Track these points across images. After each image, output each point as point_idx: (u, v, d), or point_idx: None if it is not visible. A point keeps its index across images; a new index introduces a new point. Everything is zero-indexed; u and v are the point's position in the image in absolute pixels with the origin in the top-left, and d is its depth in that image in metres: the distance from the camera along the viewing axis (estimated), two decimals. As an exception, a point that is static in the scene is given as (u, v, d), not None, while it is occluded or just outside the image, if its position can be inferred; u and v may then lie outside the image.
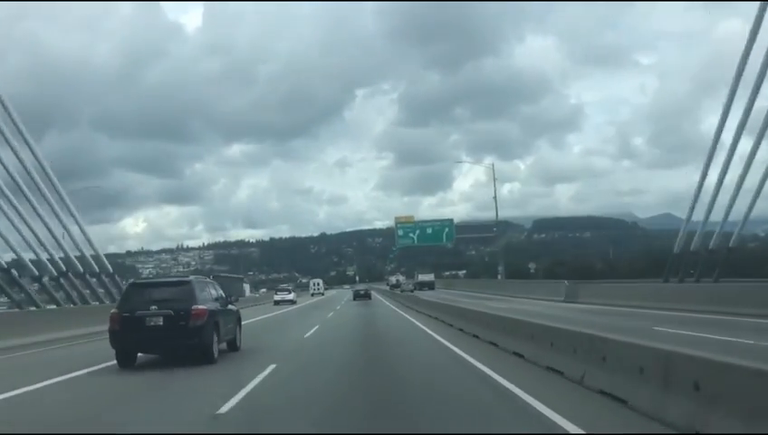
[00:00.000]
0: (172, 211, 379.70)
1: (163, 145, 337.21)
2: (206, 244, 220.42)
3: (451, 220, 67.06)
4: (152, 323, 11.33)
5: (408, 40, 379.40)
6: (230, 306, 14.10)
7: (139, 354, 11.98)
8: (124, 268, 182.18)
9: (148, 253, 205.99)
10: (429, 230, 65.59)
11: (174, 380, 10.03)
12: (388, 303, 43.21)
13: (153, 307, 11.42)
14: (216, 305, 12.63)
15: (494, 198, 58.84)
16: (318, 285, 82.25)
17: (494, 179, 58.47)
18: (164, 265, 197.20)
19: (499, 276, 56.91)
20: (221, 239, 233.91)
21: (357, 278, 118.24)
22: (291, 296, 51.47)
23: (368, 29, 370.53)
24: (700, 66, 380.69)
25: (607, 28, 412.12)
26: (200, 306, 11.62)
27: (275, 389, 8.87)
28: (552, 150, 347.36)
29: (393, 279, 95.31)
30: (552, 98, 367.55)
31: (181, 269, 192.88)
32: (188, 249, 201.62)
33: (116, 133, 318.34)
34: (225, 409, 7.14)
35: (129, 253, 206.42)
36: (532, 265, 62.90)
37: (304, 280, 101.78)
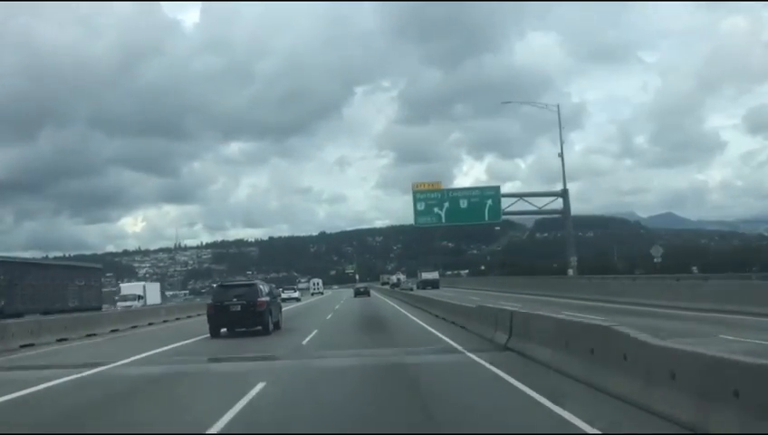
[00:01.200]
0: (170, 210, 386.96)
1: (161, 143, 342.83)
2: (204, 243, 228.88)
3: (497, 188, 48.95)
4: (233, 309, 19.23)
5: (408, 37, 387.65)
6: (275, 300, 22.09)
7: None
8: (121, 267, 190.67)
9: (145, 252, 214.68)
10: (464, 203, 47.71)
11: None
12: (401, 309, 32.03)
13: (234, 299, 19.34)
14: (269, 298, 20.48)
15: (560, 154, 45.94)
16: (318, 284, 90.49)
17: (560, 127, 45.48)
18: (161, 264, 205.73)
19: (570, 271, 45.43)
20: (220, 238, 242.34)
21: (357, 277, 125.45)
22: (296, 294, 61.56)
23: (367, 26, 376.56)
24: (702, 64, 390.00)
25: (609, 26, 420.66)
26: (261, 298, 19.58)
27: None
28: (553, 149, 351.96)
29: (394, 278, 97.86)
30: (554, 96, 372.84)
31: (179, 268, 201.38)
32: (186, 248, 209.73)
33: (113, 131, 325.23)
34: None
35: (126, 252, 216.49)
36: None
37: (303, 280, 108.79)
